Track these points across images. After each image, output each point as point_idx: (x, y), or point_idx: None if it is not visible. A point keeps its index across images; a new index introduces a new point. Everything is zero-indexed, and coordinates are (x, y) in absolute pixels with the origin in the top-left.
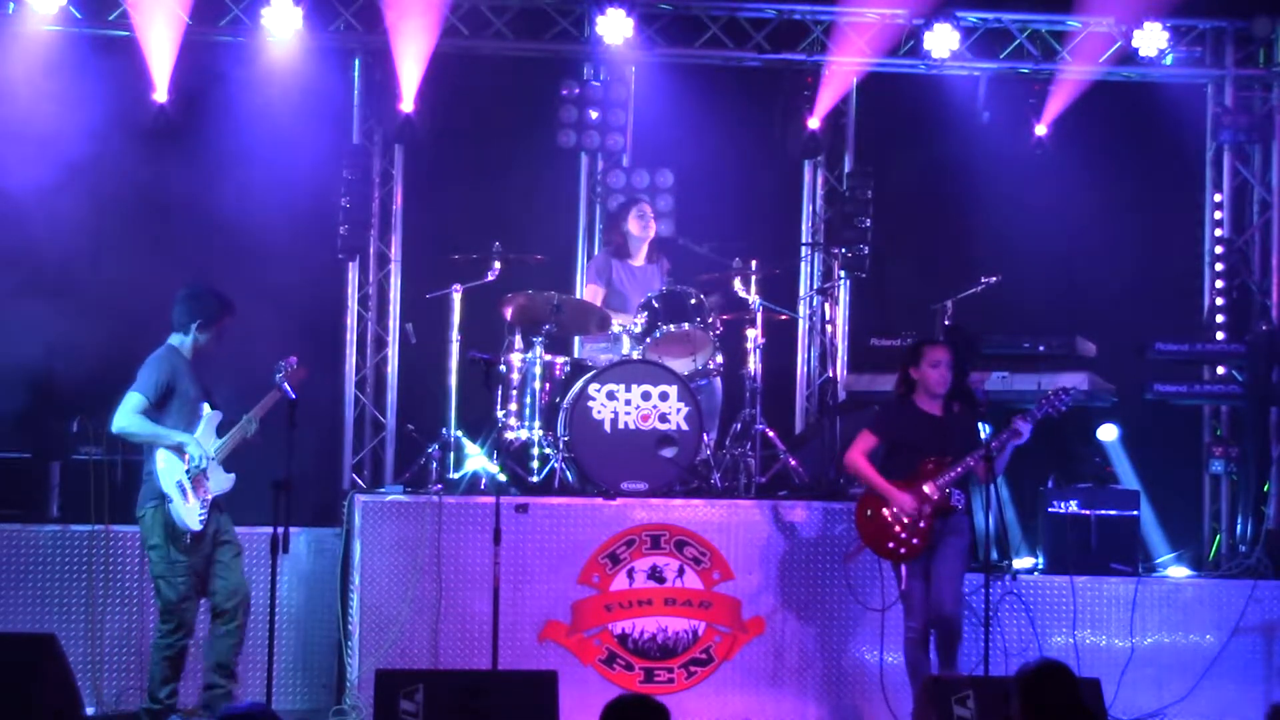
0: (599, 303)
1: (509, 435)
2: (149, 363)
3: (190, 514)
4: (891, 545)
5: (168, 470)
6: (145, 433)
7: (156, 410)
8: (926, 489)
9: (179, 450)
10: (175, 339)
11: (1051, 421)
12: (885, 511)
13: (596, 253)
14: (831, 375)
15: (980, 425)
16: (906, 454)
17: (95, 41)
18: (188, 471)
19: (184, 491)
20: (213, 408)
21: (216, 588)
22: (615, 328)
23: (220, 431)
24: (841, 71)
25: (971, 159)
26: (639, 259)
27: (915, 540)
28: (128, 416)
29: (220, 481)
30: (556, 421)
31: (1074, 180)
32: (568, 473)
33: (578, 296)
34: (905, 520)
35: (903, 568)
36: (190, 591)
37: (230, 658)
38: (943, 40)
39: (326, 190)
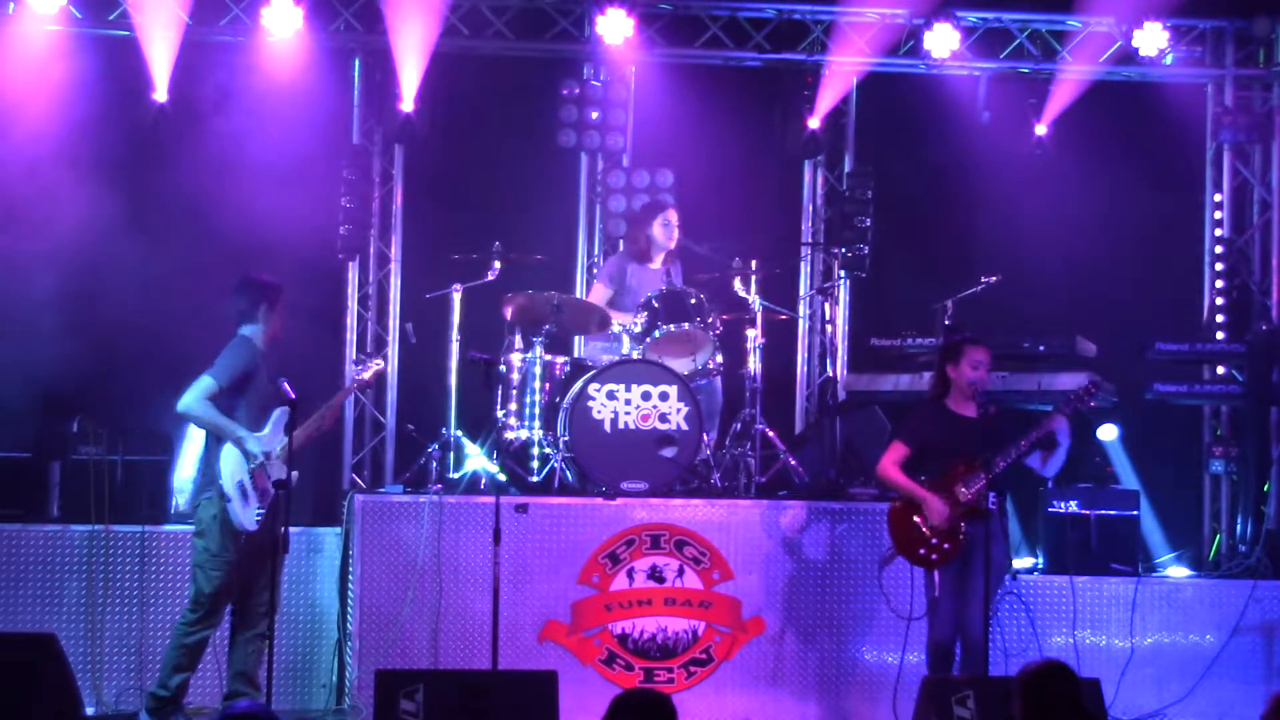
0: (605, 303)
1: (509, 435)
2: (228, 349)
3: (248, 515)
4: (923, 552)
5: (230, 468)
6: (207, 418)
7: (229, 398)
8: (959, 492)
9: (238, 443)
10: (247, 329)
11: (1081, 416)
12: (917, 518)
13: (598, 252)
14: (831, 375)
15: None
16: (939, 457)
17: (95, 41)
18: (249, 471)
19: (243, 492)
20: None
21: (251, 595)
22: (615, 328)
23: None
24: (841, 71)
25: (971, 159)
26: (655, 262)
27: (946, 546)
28: (194, 398)
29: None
30: (556, 421)
31: (1074, 180)
32: (568, 473)
33: (578, 296)
34: (936, 526)
35: (935, 575)
36: (224, 587)
37: (255, 667)
38: (943, 40)
39: (326, 190)
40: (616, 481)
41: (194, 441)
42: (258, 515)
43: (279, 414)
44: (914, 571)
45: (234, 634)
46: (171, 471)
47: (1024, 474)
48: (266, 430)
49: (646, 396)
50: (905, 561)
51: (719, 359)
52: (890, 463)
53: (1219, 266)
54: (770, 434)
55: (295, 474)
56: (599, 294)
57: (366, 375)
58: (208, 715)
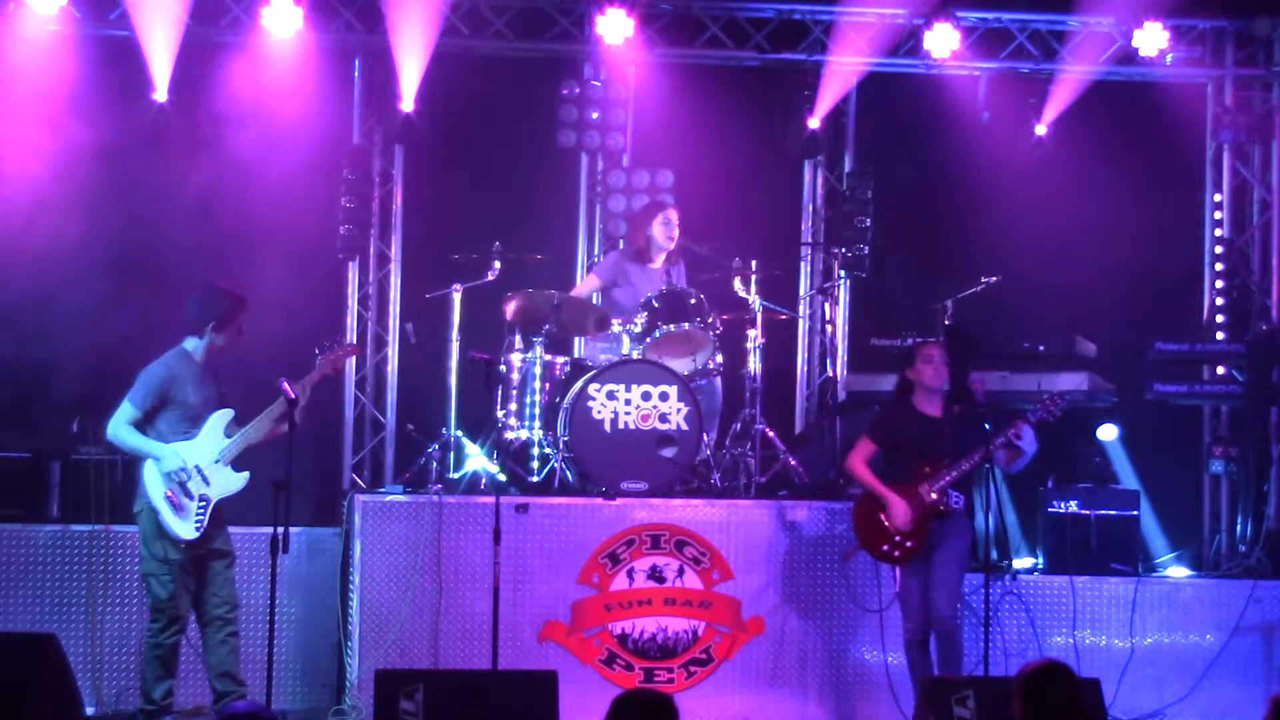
0: (592, 292)
1: (509, 435)
2: (145, 372)
3: (183, 526)
4: (886, 548)
5: (154, 483)
6: (129, 445)
7: (147, 420)
8: (923, 491)
9: (157, 465)
10: (189, 343)
11: (1049, 425)
12: (880, 515)
13: (598, 251)
14: (831, 375)
15: (984, 425)
16: (905, 456)
17: (95, 41)
18: (181, 483)
19: (174, 504)
20: (225, 406)
21: (208, 596)
22: (615, 327)
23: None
24: (841, 71)
25: (971, 159)
26: (657, 262)
27: (909, 544)
28: (116, 426)
29: (227, 483)
30: (556, 421)
31: (1074, 180)
32: (568, 473)
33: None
34: (899, 524)
35: (897, 570)
36: (180, 590)
37: (234, 664)
38: (943, 40)
39: (326, 190)
40: (616, 481)
41: None
42: (197, 522)
43: (215, 420)
44: (878, 565)
45: (204, 638)
46: None
47: (1024, 474)
48: (200, 437)
49: (646, 396)
50: (866, 557)
51: (719, 359)
52: (858, 459)
53: (1219, 266)
54: (770, 434)
55: (246, 474)
56: (589, 284)
57: (287, 385)
58: (205, 715)
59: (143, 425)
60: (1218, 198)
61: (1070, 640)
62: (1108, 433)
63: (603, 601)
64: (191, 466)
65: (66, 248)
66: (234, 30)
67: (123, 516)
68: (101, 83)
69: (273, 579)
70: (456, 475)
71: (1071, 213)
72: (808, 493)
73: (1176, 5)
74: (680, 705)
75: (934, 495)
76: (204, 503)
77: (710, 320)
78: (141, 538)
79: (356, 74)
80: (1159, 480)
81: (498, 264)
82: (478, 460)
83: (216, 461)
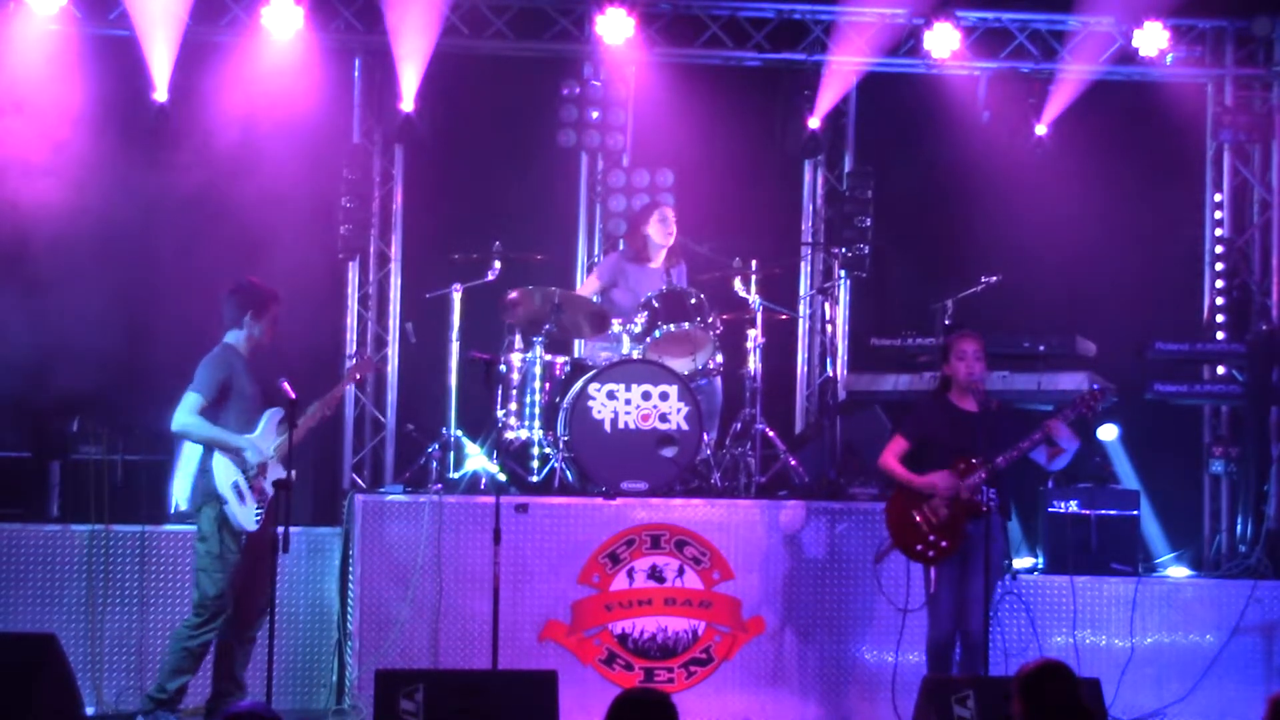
0: (594, 294)
1: (509, 435)
2: (206, 361)
3: (246, 515)
4: (920, 548)
5: (223, 472)
6: (203, 434)
7: (215, 409)
8: (959, 488)
9: (236, 454)
10: (231, 336)
11: (1087, 419)
12: (915, 514)
13: (598, 251)
14: (831, 375)
15: (1019, 421)
16: (939, 451)
17: (95, 41)
18: (245, 474)
19: (240, 494)
20: (272, 405)
21: (251, 597)
22: (615, 327)
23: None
24: (841, 71)
25: (971, 159)
26: (656, 262)
27: (945, 543)
28: (186, 416)
29: (280, 480)
30: (556, 421)
31: (1074, 180)
32: (568, 472)
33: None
34: (935, 520)
35: (932, 570)
36: (228, 589)
37: (242, 668)
38: (943, 40)
39: (326, 190)
40: (616, 481)
41: (192, 445)
42: (256, 515)
43: (270, 415)
44: (910, 565)
45: (227, 637)
46: (172, 472)
47: (1024, 475)
48: (258, 433)
49: (647, 396)
50: (901, 556)
51: (719, 359)
52: (891, 456)
53: (1219, 266)
54: (770, 434)
55: (294, 473)
56: (590, 286)
57: (358, 375)
58: (200, 715)
59: (210, 418)
60: (1218, 197)
61: (1070, 640)
62: (1108, 433)
63: (603, 601)
64: (262, 461)
65: (65, 248)
66: (234, 30)
67: (123, 516)
68: (101, 83)
69: (273, 579)
70: (456, 475)
71: (1071, 213)
72: (808, 493)
73: (1176, 5)
74: (680, 705)
75: (971, 493)
76: (262, 496)
77: (710, 320)
78: (200, 534)
79: (356, 74)
80: (1159, 480)
81: (498, 264)
82: (478, 460)
83: (271, 458)
